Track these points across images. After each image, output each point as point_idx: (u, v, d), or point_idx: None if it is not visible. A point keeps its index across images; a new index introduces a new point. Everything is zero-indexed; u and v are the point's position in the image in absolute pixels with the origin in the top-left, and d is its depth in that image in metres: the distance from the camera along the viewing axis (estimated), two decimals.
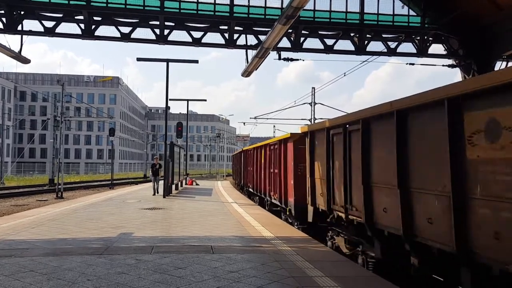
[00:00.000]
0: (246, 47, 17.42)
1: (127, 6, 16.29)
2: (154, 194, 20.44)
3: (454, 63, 19.41)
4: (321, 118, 37.44)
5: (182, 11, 16.54)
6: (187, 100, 37.50)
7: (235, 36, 17.03)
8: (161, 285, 5.54)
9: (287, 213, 12.91)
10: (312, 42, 17.75)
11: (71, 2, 16.05)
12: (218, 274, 6.10)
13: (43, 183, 39.79)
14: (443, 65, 19.63)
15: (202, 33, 17.01)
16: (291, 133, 12.83)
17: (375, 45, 18.41)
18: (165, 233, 9.76)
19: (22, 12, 16.22)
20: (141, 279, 5.78)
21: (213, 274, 6.07)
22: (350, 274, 6.31)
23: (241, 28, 17.13)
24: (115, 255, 7.22)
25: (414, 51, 18.44)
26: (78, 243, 8.38)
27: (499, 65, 17.87)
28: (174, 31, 16.91)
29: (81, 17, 16.29)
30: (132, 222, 11.45)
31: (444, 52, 19.02)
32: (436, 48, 20.11)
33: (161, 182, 21.19)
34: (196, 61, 21.50)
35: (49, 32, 16.37)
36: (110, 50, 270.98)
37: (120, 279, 5.76)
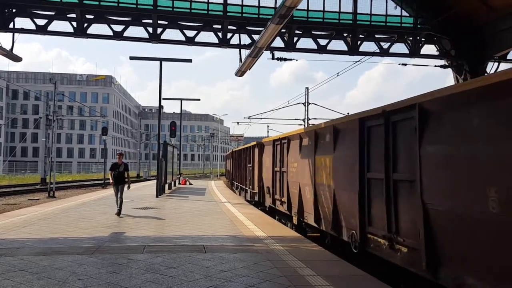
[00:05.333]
0: (239, 46, 17.40)
1: (120, 4, 16.22)
2: (118, 214, 12.46)
3: (446, 63, 19.52)
4: (314, 119, 37.53)
5: (175, 9, 16.49)
6: (181, 100, 37.38)
7: (229, 35, 17.02)
8: (152, 284, 5.52)
9: None
10: (305, 42, 17.81)
11: (64, 0, 15.95)
12: (210, 273, 6.09)
13: (35, 182, 39.54)
14: (435, 66, 19.75)
15: (196, 32, 16.98)
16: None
17: (368, 46, 18.49)
18: (157, 232, 9.73)
19: (14, 10, 16.10)
20: (133, 279, 5.76)
21: (205, 274, 6.06)
22: (342, 273, 6.33)
23: (235, 28, 17.12)
24: (107, 255, 7.19)
25: (407, 51, 18.53)
26: (69, 243, 8.33)
27: (491, 66, 18.01)
28: (167, 29, 16.88)
29: (73, 15, 16.20)
30: (124, 221, 11.40)
31: (437, 53, 19.13)
32: (429, 48, 20.27)
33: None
34: (190, 60, 21.39)
35: (41, 30, 16.26)
36: (104, 49, 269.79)
37: (111, 279, 5.73)
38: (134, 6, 16.30)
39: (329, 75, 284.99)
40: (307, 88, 37.55)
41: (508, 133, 4.12)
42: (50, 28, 16.34)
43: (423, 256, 5.30)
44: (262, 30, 14.23)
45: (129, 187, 13.06)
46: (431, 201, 5.19)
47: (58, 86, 31.45)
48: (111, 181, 12.94)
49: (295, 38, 17.44)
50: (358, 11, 17.62)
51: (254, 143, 18.39)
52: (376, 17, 17.81)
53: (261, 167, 16.35)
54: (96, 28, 16.63)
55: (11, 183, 39.15)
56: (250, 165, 19.00)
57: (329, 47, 17.85)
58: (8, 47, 16.47)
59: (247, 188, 20.16)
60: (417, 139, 5.52)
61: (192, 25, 17.13)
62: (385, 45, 18.28)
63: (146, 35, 16.75)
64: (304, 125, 36.59)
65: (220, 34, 16.92)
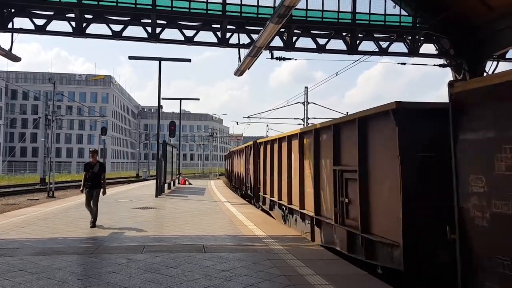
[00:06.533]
0: (238, 46, 17.38)
1: (119, 4, 16.18)
2: (93, 225, 10.24)
3: (445, 62, 19.51)
4: (314, 118, 37.55)
5: (174, 9, 16.47)
6: (180, 99, 37.44)
7: (228, 35, 16.99)
8: (152, 284, 5.52)
9: None
10: (304, 42, 17.75)
11: (62, 0, 15.93)
12: (210, 273, 6.10)
13: (34, 182, 39.52)
14: (434, 65, 19.71)
15: (195, 31, 16.95)
16: None
17: (367, 45, 18.47)
18: (157, 232, 9.73)
19: (13, 10, 16.07)
20: (132, 279, 5.76)
21: (204, 273, 6.06)
22: (342, 272, 6.34)
23: (234, 27, 17.10)
24: (106, 255, 7.19)
25: (406, 50, 18.50)
26: (69, 243, 8.33)
27: (490, 65, 18.01)
28: (166, 29, 16.84)
29: (72, 15, 16.17)
30: (123, 221, 11.40)
31: (435, 52, 19.12)
32: (428, 48, 20.25)
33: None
34: (189, 60, 21.40)
35: (40, 30, 16.23)
36: (103, 49, 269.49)
37: (110, 279, 5.73)
38: (133, 5, 16.28)
39: (328, 74, 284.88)
40: (306, 87, 37.56)
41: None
42: (49, 28, 16.30)
43: None
44: (261, 30, 14.22)
45: (104, 192, 10.70)
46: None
47: (57, 86, 31.44)
48: (81, 187, 10.68)
49: (294, 38, 17.41)
50: (357, 11, 17.59)
51: (368, 112, 7.27)
52: (375, 16, 17.79)
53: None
54: (95, 28, 16.60)
55: (10, 183, 39.11)
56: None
57: (328, 47, 17.82)
58: (7, 47, 16.45)
59: (332, 222, 8.66)
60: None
61: (191, 24, 17.10)
62: (384, 44, 18.27)
63: (145, 35, 16.72)
64: (304, 125, 36.56)
65: (219, 33, 16.90)
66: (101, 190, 10.64)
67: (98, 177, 10.61)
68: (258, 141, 17.98)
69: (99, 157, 13.42)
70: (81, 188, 10.80)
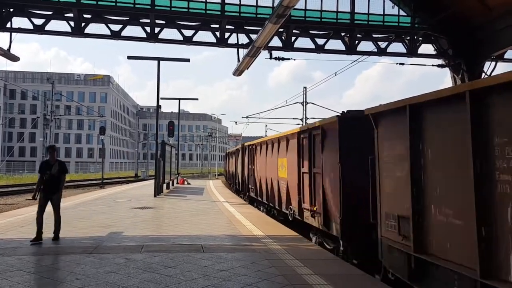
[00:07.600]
0: (237, 46, 17.39)
1: (118, 4, 16.18)
2: (38, 240, 8.18)
3: (443, 63, 19.54)
4: (312, 118, 37.59)
5: (173, 9, 16.47)
6: (179, 99, 37.44)
7: (227, 34, 17.01)
8: (150, 284, 5.52)
9: None
10: (303, 42, 17.78)
11: (61, 0, 15.92)
12: (208, 272, 6.10)
13: (32, 182, 39.42)
14: (432, 65, 19.76)
15: (193, 31, 16.96)
16: None
17: (366, 45, 18.50)
18: (155, 232, 9.73)
19: (11, 10, 16.05)
20: (130, 278, 5.76)
21: (203, 273, 6.06)
22: (340, 272, 6.35)
23: (233, 27, 17.11)
24: (105, 254, 7.19)
25: (404, 51, 18.53)
26: (67, 242, 8.33)
27: (488, 65, 18.05)
28: (165, 29, 16.85)
29: (71, 15, 16.16)
30: (122, 221, 11.39)
31: (434, 52, 19.15)
32: (426, 48, 20.32)
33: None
34: (188, 60, 21.40)
35: (39, 30, 16.22)
36: (102, 49, 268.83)
37: (109, 278, 5.73)
38: (132, 5, 16.28)
39: (327, 74, 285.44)
40: (305, 87, 37.65)
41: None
42: (47, 28, 16.29)
43: None
44: (260, 30, 14.23)
45: (59, 196, 8.99)
46: None
47: (55, 85, 31.45)
48: (34, 192, 8.91)
49: (293, 38, 17.43)
50: (355, 11, 17.61)
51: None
52: (373, 16, 17.81)
53: None
54: (93, 28, 16.60)
55: (8, 183, 39.09)
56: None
57: (327, 47, 17.84)
58: (5, 47, 16.43)
59: None
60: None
61: (190, 24, 17.10)
62: (382, 45, 18.29)
63: (144, 35, 16.73)
64: (302, 125, 36.61)
65: (218, 33, 16.91)
66: (59, 195, 8.91)
67: (57, 180, 8.77)
68: (369, 112, 6.67)
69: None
70: (33, 194, 8.84)
